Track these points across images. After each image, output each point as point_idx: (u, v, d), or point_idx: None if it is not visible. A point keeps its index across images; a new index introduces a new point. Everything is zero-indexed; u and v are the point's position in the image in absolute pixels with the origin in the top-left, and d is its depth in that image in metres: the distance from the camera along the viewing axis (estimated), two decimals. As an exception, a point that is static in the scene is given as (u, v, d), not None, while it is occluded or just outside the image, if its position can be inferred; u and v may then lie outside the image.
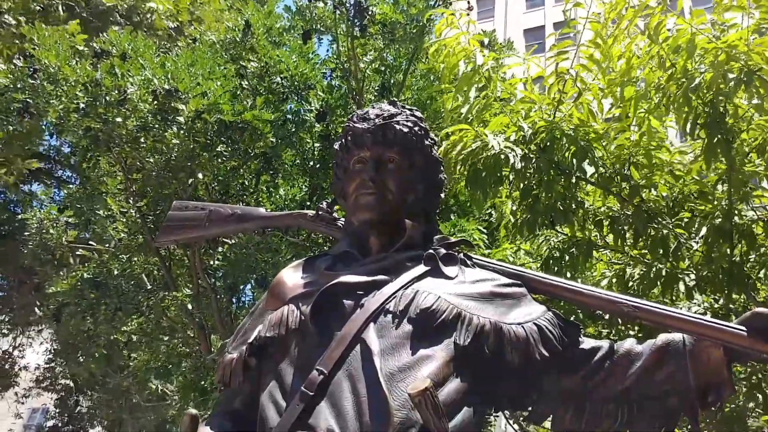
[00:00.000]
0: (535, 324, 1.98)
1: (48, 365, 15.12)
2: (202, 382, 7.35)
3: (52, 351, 14.45)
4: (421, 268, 2.08)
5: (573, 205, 4.90)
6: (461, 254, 2.23)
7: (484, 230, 7.70)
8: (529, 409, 2.09)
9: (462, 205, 8.86)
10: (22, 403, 16.43)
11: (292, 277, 2.16)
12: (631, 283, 5.09)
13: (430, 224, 2.29)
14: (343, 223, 2.43)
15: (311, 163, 8.69)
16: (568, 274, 5.80)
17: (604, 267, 5.93)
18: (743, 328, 1.87)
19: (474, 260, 2.24)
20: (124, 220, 9.44)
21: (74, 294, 8.19)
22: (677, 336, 1.98)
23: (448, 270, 2.10)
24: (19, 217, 10.71)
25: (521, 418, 9.66)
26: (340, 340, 1.85)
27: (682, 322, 1.95)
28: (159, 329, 9.57)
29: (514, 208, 5.54)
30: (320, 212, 2.53)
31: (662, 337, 2.01)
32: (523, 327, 1.96)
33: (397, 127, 2.21)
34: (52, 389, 15.49)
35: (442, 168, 2.37)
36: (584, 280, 6.15)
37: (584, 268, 5.80)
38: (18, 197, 12.59)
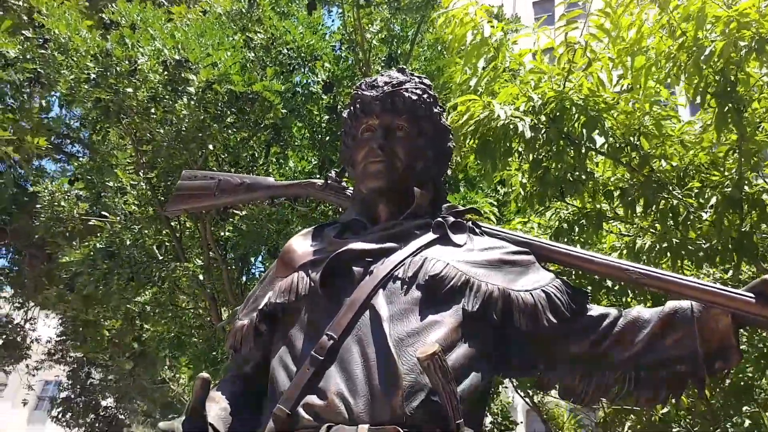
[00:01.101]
0: (543, 291, 1.98)
1: (59, 338, 15.28)
2: (213, 353, 7.41)
3: (61, 327, 14.63)
4: (430, 236, 2.08)
5: (583, 176, 4.88)
6: (470, 222, 2.24)
7: (494, 202, 7.68)
8: (537, 375, 2.09)
9: (471, 178, 8.83)
10: (34, 375, 16.63)
11: (301, 244, 2.17)
12: (641, 255, 5.09)
13: (438, 192, 2.28)
14: (351, 192, 2.44)
15: (320, 136, 8.67)
16: (578, 247, 5.80)
17: (615, 239, 5.92)
18: (751, 294, 1.86)
19: (483, 228, 2.24)
20: (135, 192, 9.47)
21: (87, 264, 8.26)
22: (685, 303, 1.97)
23: (457, 238, 2.09)
24: (31, 189, 10.75)
25: (528, 389, 9.76)
26: (349, 305, 1.86)
27: (689, 289, 1.94)
28: (172, 300, 9.63)
29: (524, 180, 5.52)
30: (329, 181, 2.53)
31: (670, 305, 2.00)
32: (531, 294, 1.96)
33: (406, 94, 2.20)
34: (63, 362, 15.66)
35: (450, 136, 2.36)
36: (595, 252, 6.14)
37: (595, 239, 5.80)
38: (28, 173, 12.63)
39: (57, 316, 14.13)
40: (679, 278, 2.01)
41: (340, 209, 2.67)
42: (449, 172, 2.45)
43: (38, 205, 10.24)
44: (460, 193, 7.69)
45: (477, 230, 2.21)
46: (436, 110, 2.27)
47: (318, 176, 9.59)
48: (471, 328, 1.87)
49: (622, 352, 1.98)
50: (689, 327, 1.93)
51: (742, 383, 5.42)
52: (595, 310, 2.06)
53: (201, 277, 8.34)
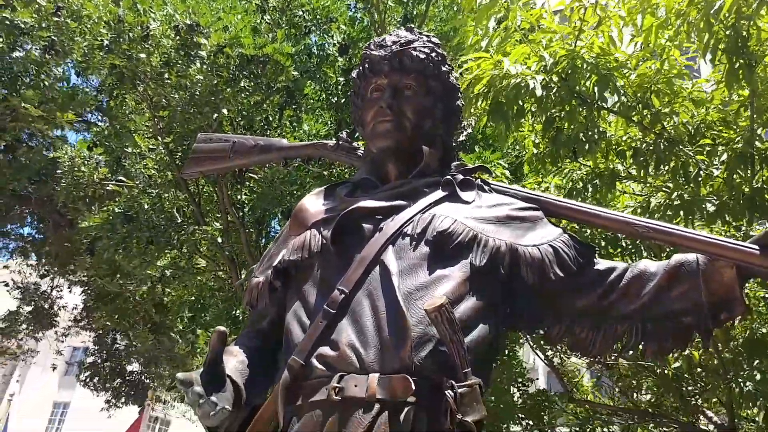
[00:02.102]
0: (550, 245, 2.00)
1: (84, 305, 15.49)
2: (234, 312, 7.54)
3: (84, 295, 14.86)
4: (439, 194, 2.10)
5: (595, 135, 4.87)
6: (478, 180, 2.26)
7: (507, 166, 7.66)
8: (545, 328, 2.12)
9: (487, 137, 8.78)
10: (62, 341, 16.90)
11: (313, 203, 2.20)
12: (654, 215, 5.09)
13: (447, 150, 2.29)
14: (362, 152, 2.46)
15: (335, 99, 8.65)
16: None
17: (628, 198, 5.92)
18: (756, 246, 1.86)
19: (491, 185, 2.25)
20: (153, 156, 9.54)
21: (107, 228, 8.36)
22: (691, 256, 1.98)
23: (465, 195, 2.11)
24: (51, 155, 10.86)
25: (546, 349, 9.83)
26: (360, 261, 1.90)
27: (695, 242, 1.94)
28: (191, 264, 9.75)
29: (537, 141, 5.52)
30: (340, 142, 2.55)
31: (676, 257, 2.01)
32: (538, 248, 1.98)
33: (414, 53, 2.20)
34: (89, 328, 15.86)
35: (459, 94, 2.37)
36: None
37: (608, 199, 5.79)
38: (54, 143, 12.73)
39: (80, 283, 14.30)
40: (685, 231, 2.02)
41: (353, 169, 2.71)
42: (463, 134, 2.46)
43: (59, 171, 10.34)
44: (475, 153, 7.68)
45: (486, 187, 2.23)
46: (444, 69, 2.27)
47: (333, 138, 9.58)
48: (478, 282, 1.89)
49: (628, 304, 1.99)
50: (695, 279, 1.94)
51: (754, 338, 5.44)
52: (601, 264, 2.07)
53: (220, 240, 8.43)
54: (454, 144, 2.40)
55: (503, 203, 2.13)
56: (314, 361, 1.78)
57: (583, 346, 2.07)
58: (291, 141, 7.99)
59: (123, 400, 15.61)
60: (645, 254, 5.10)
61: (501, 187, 2.28)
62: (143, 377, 15.64)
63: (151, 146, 9.55)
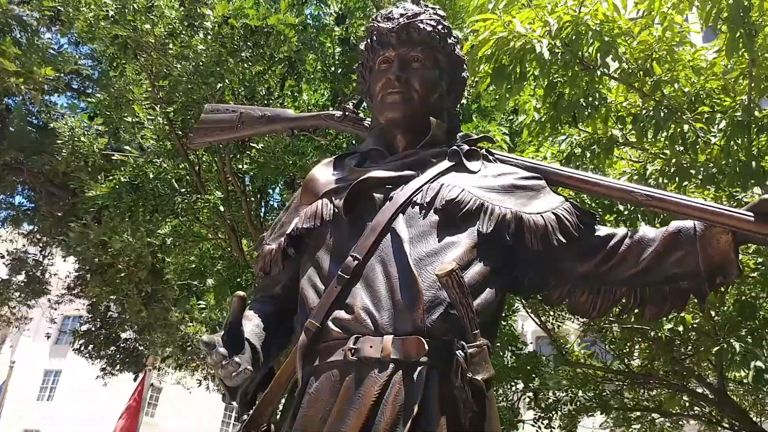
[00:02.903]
0: (553, 213, 2.06)
1: (77, 272, 15.46)
2: (238, 279, 7.64)
3: (78, 264, 14.78)
4: (446, 164, 2.15)
5: (596, 101, 4.92)
6: (483, 150, 2.31)
7: (506, 132, 7.72)
8: (547, 292, 2.20)
9: (484, 108, 8.82)
10: (55, 309, 16.94)
11: (323, 173, 2.25)
12: (650, 180, 5.16)
13: (453, 121, 2.34)
14: (369, 122, 2.51)
15: (332, 69, 8.65)
16: (589, 171, 5.88)
17: (625, 165, 5.99)
18: (751, 213, 1.93)
19: (496, 155, 2.31)
20: (152, 126, 9.54)
21: (113, 197, 8.43)
22: (688, 222, 2.04)
23: (471, 165, 2.17)
24: (51, 126, 10.85)
25: (540, 313, 9.98)
26: (372, 229, 1.96)
27: (692, 209, 2.01)
28: (192, 232, 9.81)
29: (538, 106, 5.57)
30: (346, 112, 2.60)
31: (674, 224, 2.07)
32: (542, 216, 2.04)
33: (421, 26, 2.23)
34: (83, 296, 15.81)
35: (464, 66, 2.41)
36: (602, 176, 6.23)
37: (605, 165, 5.86)
38: (38, 108, 12.64)
39: (75, 253, 14.25)
40: (683, 199, 2.08)
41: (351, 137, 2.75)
42: (463, 101, 2.51)
43: (59, 141, 10.35)
44: (473, 123, 7.72)
45: (491, 157, 2.28)
46: (450, 41, 2.31)
47: (331, 108, 9.62)
48: (485, 248, 1.96)
49: (628, 269, 2.06)
50: (692, 245, 2.00)
51: (744, 301, 5.56)
52: (602, 230, 2.14)
53: (222, 208, 8.50)
54: (459, 115, 2.45)
55: (508, 173, 2.19)
56: (330, 324, 1.86)
57: (584, 308, 2.15)
58: (292, 110, 8.04)
59: (118, 367, 15.63)
60: (639, 221, 5.19)
61: (505, 157, 2.34)
62: (137, 344, 15.68)
63: (149, 116, 9.54)
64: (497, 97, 5.90)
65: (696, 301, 2.17)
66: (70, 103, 13.23)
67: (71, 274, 15.84)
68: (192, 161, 9.22)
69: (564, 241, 2.03)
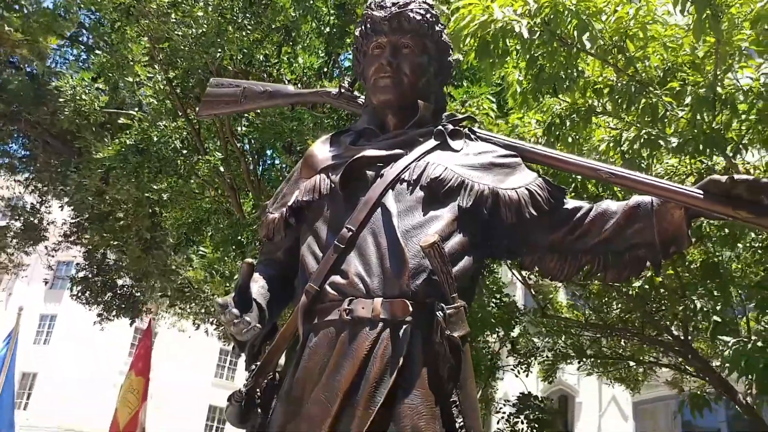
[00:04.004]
0: (526, 189, 2.21)
1: (74, 220, 15.38)
2: (239, 237, 7.80)
3: (75, 212, 14.64)
4: (432, 143, 2.29)
5: (574, 74, 5.05)
6: (466, 129, 2.46)
7: (493, 99, 7.81)
8: (521, 258, 2.37)
9: (474, 70, 8.86)
10: (52, 257, 16.78)
11: (321, 150, 2.41)
12: (624, 147, 5.33)
13: (439, 103, 2.48)
14: (363, 100, 2.66)
15: (327, 30, 8.68)
16: (570, 138, 6.04)
17: (603, 132, 6.14)
18: (701, 191, 2.06)
19: (477, 134, 2.45)
20: (151, 85, 9.57)
21: (119, 159, 8.54)
22: (647, 198, 2.18)
23: (455, 144, 2.31)
24: (53, 84, 10.86)
25: (521, 268, 10.22)
26: (364, 203, 2.11)
27: (650, 187, 2.15)
28: (189, 188, 9.90)
29: (521, 78, 5.69)
30: (342, 90, 2.74)
31: (634, 199, 2.22)
32: (516, 191, 2.19)
33: (411, 14, 2.35)
34: (79, 243, 15.72)
35: (450, 51, 2.56)
36: (584, 144, 6.39)
37: (584, 132, 6.02)
38: (41, 70, 12.57)
39: (74, 204, 14.04)
40: (642, 177, 2.24)
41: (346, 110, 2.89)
42: (452, 72, 2.65)
43: (60, 99, 10.37)
44: (463, 88, 7.81)
45: (472, 136, 2.43)
46: (437, 28, 2.44)
47: (326, 70, 9.68)
48: (465, 221, 2.13)
49: (592, 239, 2.22)
50: (649, 219, 2.15)
51: (709, 262, 5.80)
52: (570, 203, 2.29)
53: (222, 168, 8.62)
54: (445, 96, 2.60)
55: (487, 151, 2.33)
56: (327, 288, 2.04)
57: (553, 273, 2.32)
58: (288, 75, 8.13)
59: (114, 313, 15.52)
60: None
61: (485, 135, 2.48)
62: (134, 291, 15.57)
63: (149, 74, 9.55)
64: (482, 69, 6.01)
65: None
66: (75, 57, 13.16)
67: (68, 221, 15.71)
68: (192, 121, 9.28)
69: (535, 214, 2.18)
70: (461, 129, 2.41)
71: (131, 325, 17.06)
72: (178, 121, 9.37)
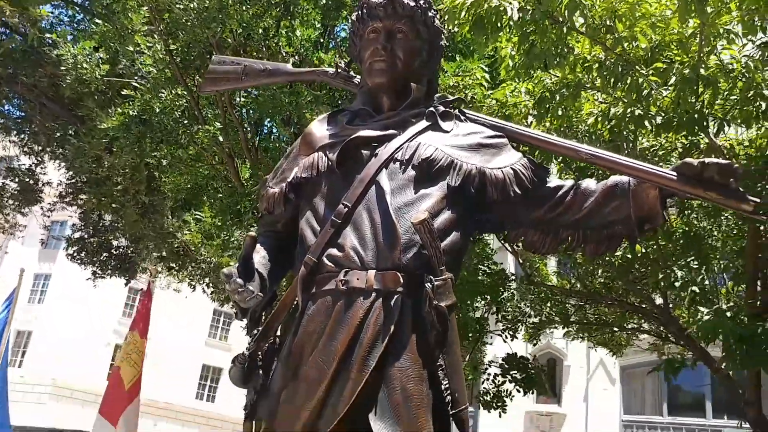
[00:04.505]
0: (511, 168, 2.30)
1: (69, 181, 15.08)
2: (237, 206, 7.88)
3: (71, 172, 14.33)
4: (423, 124, 2.38)
5: (565, 50, 5.12)
6: (456, 110, 2.54)
7: (486, 70, 7.86)
8: (506, 232, 2.50)
9: (468, 44, 8.87)
10: (48, 217, 16.44)
11: (319, 128, 2.48)
12: (612, 121, 5.42)
13: (431, 85, 2.55)
14: (358, 80, 2.74)
15: (323, 1, 8.66)
16: (560, 111, 6.13)
17: (592, 106, 6.23)
18: (674, 173, 2.16)
19: (467, 115, 2.53)
20: (150, 53, 9.54)
21: (122, 129, 8.58)
22: (624, 178, 2.28)
23: (445, 125, 2.40)
24: (55, 53, 10.80)
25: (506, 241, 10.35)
26: (360, 181, 2.21)
27: (627, 168, 2.25)
28: (188, 155, 9.93)
29: (513, 52, 5.75)
30: (339, 70, 2.82)
31: (612, 179, 2.32)
32: (502, 171, 2.28)
33: (405, 1, 2.42)
34: (75, 204, 15.42)
35: (442, 35, 2.63)
36: (573, 117, 6.48)
37: (573, 106, 6.11)
38: (30, 39, 12.45)
39: (72, 167, 13.60)
40: (620, 158, 2.33)
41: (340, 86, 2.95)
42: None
43: (62, 68, 10.34)
44: (456, 62, 7.85)
45: (462, 117, 2.51)
46: (430, 14, 2.51)
47: (322, 41, 9.68)
48: (454, 198, 2.23)
49: (572, 215, 2.33)
50: (626, 197, 2.26)
51: (690, 233, 5.93)
52: (553, 182, 2.39)
53: (221, 138, 8.67)
54: (437, 78, 2.69)
55: (475, 132, 2.42)
56: (325, 260, 2.15)
57: (535, 246, 2.43)
58: (286, 48, 8.15)
59: (109, 273, 15.34)
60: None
61: (474, 116, 2.57)
62: (129, 252, 15.41)
63: (148, 43, 9.51)
64: (476, 43, 6.06)
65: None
66: (64, 25, 13.01)
67: (63, 183, 15.40)
68: (192, 90, 9.29)
69: (519, 192, 2.28)
70: (451, 110, 2.49)
71: (126, 285, 16.93)
72: (178, 89, 9.36)
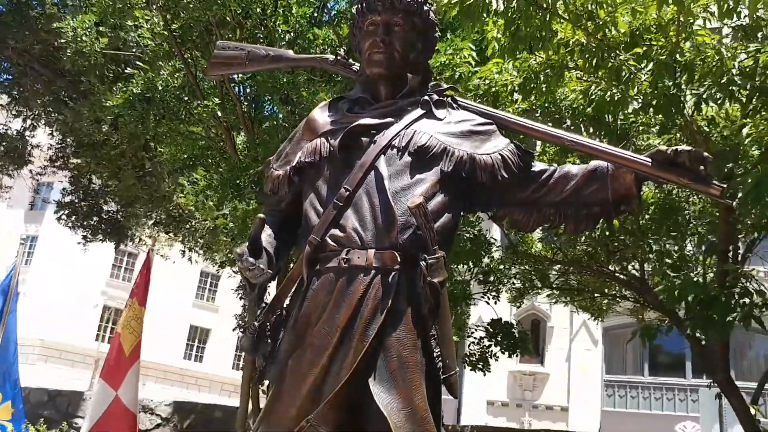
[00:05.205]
0: (499, 154, 2.42)
1: (59, 145, 14.98)
2: (237, 181, 7.96)
3: (61, 135, 14.14)
4: (418, 112, 2.48)
5: (549, 34, 5.21)
6: (449, 99, 2.64)
7: (474, 48, 7.90)
8: (493, 212, 2.64)
9: (457, 23, 8.87)
10: (38, 180, 16.40)
11: (321, 115, 2.58)
12: (594, 102, 5.52)
13: (426, 75, 2.65)
14: (356, 67, 2.83)
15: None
16: (543, 88, 6.23)
17: (574, 85, 6.33)
18: (649, 159, 2.29)
19: (459, 103, 2.63)
20: (148, 26, 9.50)
21: (126, 106, 8.61)
22: (603, 163, 2.41)
23: (439, 113, 2.50)
24: (54, 25, 10.74)
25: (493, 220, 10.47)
26: (360, 166, 2.32)
27: (606, 154, 2.38)
28: (186, 128, 9.94)
29: (499, 35, 5.83)
30: (339, 58, 2.92)
31: (592, 163, 2.45)
32: (490, 156, 2.40)
33: None
34: (65, 167, 15.31)
35: (437, 28, 2.73)
36: (556, 93, 6.58)
37: (557, 86, 6.21)
38: None
39: (70, 131, 13.31)
40: (599, 145, 2.48)
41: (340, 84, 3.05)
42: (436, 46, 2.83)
43: (62, 40, 10.29)
44: (447, 41, 7.88)
45: (455, 105, 2.61)
46: (425, 8, 2.59)
47: (315, 14, 9.67)
48: (446, 182, 2.34)
49: (555, 196, 2.46)
50: (604, 181, 2.39)
51: (665, 207, 6.08)
52: (537, 166, 2.51)
53: (219, 113, 8.72)
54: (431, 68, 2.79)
55: (466, 119, 2.53)
56: (328, 239, 2.27)
57: (520, 224, 2.59)
58: (283, 27, 8.16)
59: (100, 237, 15.16)
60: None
61: (465, 104, 2.67)
62: (119, 215, 15.20)
63: (146, 16, 9.46)
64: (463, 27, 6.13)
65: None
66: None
67: (53, 146, 15.19)
68: (188, 64, 9.28)
69: (507, 176, 2.40)
70: (444, 99, 2.60)
71: (116, 250, 16.67)
72: (176, 62, 9.35)
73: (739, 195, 4.26)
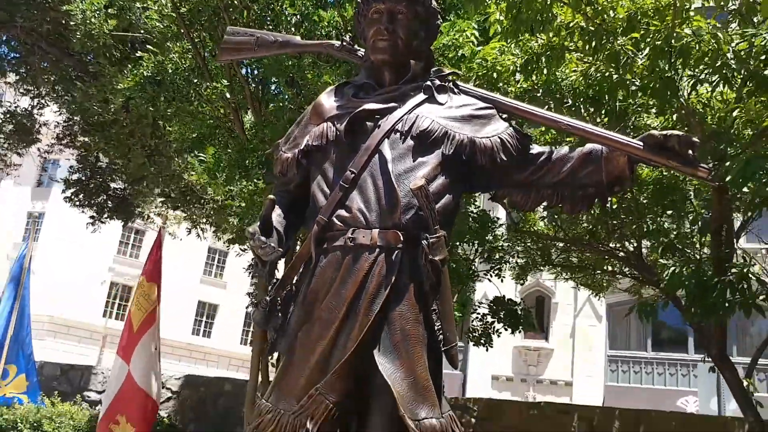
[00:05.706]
0: (498, 137, 2.49)
1: (66, 123, 14.87)
2: (246, 162, 8.04)
3: (68, 114, 14.05)
4: (421, 97, 2.55)
5: (549, 17, 5.25)
6: (451, 83, 2.71)
7: (477, 27, 7.92)
8: (493, 192, 2.72)
9: (461, 4, 8.87)
10: (45, 158, 16.48)
11: (328, 100, 2.66)
12: (593, 85, 5.58)
13: (428, 61, 2.72)
14: (361, 53, 2.90)
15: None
16: (545, 70, 6.28)
17: (575, 65, 6.37)
18: (641, 143, 2.37)
19: (460, 88, 2.71)
20: (156, 8, 9.52)
21: (137, 89, 8.68)
22: (598, 146, 2.48)
23: (440, 98, 2.57)
24: (64, 8, 10.76)
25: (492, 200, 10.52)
26: (365, 150, 2.40)
27: (600, 137, 2.46)
28: (195, 108, 9.99)
29: (501, 17, 5.87)
30: (344, 44, 2.99)
31: (588, 146, 2.52)
32: (490, 140, 2.48)
33: None
34: (72, 146, 15.18)
35: (438, 16, 2.79)
36: (557, 73, 6.62)
37: (557, 67, 6.25)
38: None
39: (77, 110, 13.15)
40: (594, 129, 2.54)
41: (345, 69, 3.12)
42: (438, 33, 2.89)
43: (71, 23, 10.31)
44: (450, 21, 7.90)
45: (456, 90, 2.68)
46: None
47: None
48: (447, 165, 2.43)
49: (552, 178, 2.54)
50: (598, 163, 2.47)
51: (662, 185, 6.15)
52: (535, 148, 2.59)
53: (228, 95, 8.78)
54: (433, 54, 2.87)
55: (467, 104, 2.60)
56: (334, 219, 2.36)
57: (519, 204, 2.69)
58: (289, 10, 8.17)
59: (107, 215, 14.99)
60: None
61: (466, 89, 2.74)
62: (126, 193, 15.08)
63: None
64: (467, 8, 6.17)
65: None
66: None
67: (61, 124, 15.05)
68: (197, 44, 9.31)
69: (505, 158, 2.48)
70: (446, 84, 2.68)
71: (124, 227, 16.51)
72: (184, 44, 9.37)
73: (729, 177, 4.33)
